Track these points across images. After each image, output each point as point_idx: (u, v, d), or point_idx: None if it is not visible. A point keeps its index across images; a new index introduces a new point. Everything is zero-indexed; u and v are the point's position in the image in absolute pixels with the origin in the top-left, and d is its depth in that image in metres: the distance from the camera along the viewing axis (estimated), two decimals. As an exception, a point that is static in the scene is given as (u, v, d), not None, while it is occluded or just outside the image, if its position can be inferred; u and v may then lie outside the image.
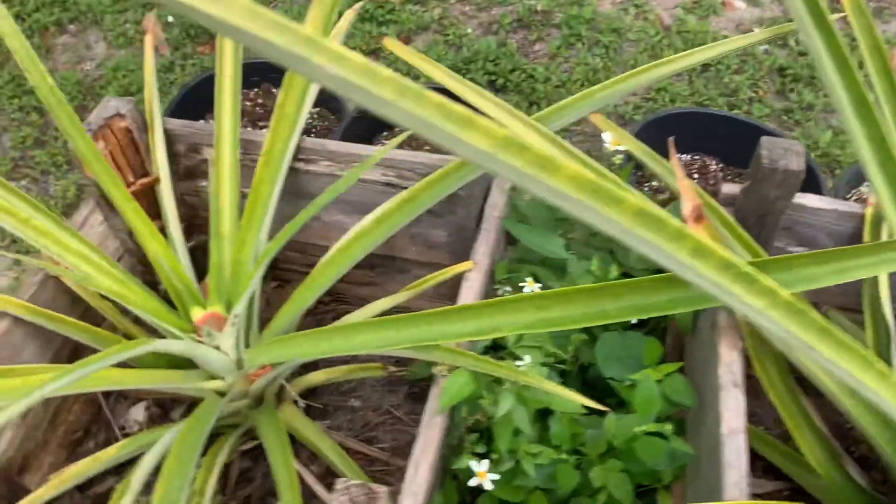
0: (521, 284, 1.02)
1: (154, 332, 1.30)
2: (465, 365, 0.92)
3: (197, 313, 1.11)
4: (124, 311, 1.24)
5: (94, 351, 1.34)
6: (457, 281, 1.05)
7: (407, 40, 2.24)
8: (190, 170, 1.33)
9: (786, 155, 1.01)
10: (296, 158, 1.21)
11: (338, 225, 1.35)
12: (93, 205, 1.26)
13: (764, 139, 1.03)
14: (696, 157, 1.60)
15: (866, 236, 1.08)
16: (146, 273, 1.32)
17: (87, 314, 1.26)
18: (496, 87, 2.07)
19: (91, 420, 1.34)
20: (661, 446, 0.90)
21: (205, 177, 1.34)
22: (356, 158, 1.22)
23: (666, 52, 2.14)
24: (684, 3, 2.31)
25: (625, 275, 1.10)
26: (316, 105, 1.75)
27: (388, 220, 1.06)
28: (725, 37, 2.21)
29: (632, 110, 2.00)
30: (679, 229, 0.55)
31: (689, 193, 0.98)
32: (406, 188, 1.22)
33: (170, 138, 1.27)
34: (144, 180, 1.26)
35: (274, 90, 1.75)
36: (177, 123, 1.27)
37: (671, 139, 1.35)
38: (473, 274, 1.03)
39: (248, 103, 1.73)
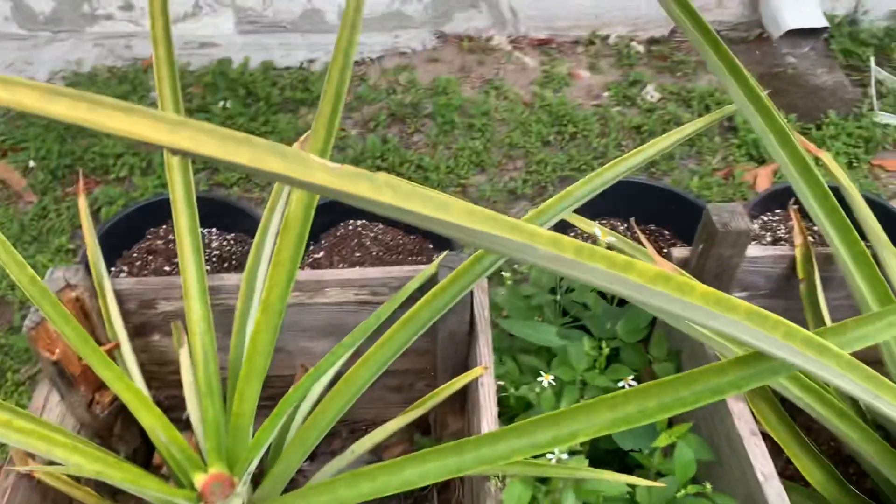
0: (539, 379, 1.06)
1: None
2: (516, 472, 0.94)
3: (199, 479, 1.05)
4: (114, 493, 1.15)
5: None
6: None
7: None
8: (140, 327, 1.26)
9: (733, 217, 1.13)
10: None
11: (305, 351, 1.33)
12: (49, 385, 1.16)
13: (710, 206, 1.15)
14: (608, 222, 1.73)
15: (800, 272, 1.23)
16: (103, 444, 1.22)
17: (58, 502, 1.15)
18: (388, 182, 2.12)
19: None
20: (707, 505, 0.97)
21: (157, 331, 1.27)
22: (322, 285, 1.22)
23: (534, 125, 2.29)
24: (537, 80, 2.50)
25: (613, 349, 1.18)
26: (230, 231, 1.71)
27: (392, 340, 1.06)
28: (581, 104, 2.41)
29: (521, 185, 2.12)
30: (779, 321, 0.62)
31: (668, 267, 1.07)
32: (380, 303, 1.24)
33: (118, 298, 1.21)
34: (104, 348, 1.18)
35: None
36: (127, 282, 1.21)
37: (632, 219, 1.46)
38: (486, 378, 1.06)
39: (159, 241, 1.66)
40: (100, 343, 1.20)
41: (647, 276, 0.53)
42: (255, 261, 1.19)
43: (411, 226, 1.76)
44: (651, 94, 2.42)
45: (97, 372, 0.99)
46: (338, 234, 1.70)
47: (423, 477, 0.88)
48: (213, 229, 1.71)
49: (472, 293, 1.17)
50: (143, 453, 1.37)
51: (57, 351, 1.12)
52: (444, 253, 1.12)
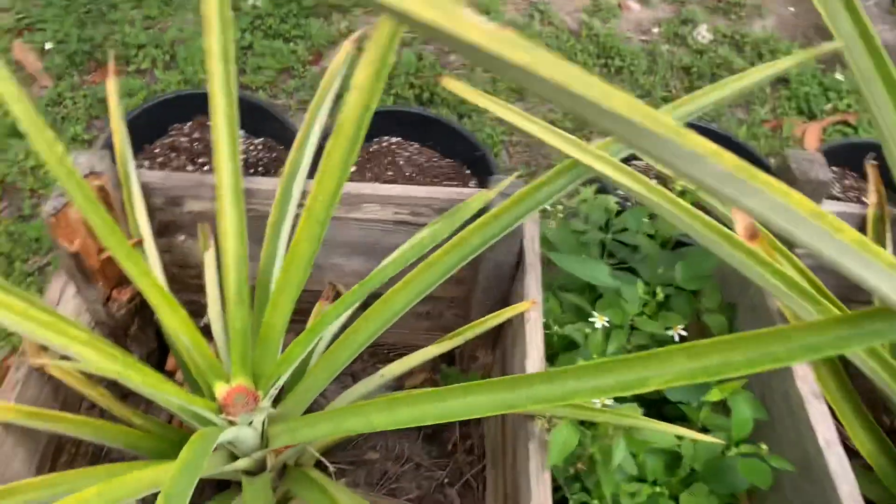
0: (591, 319, 0.99)
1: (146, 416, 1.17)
2: (563, 414, 0.88)
3: (221, 389, 1.00)
4: (123, 397, 1.09)
5: (82, 446, 1.17)
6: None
7: (319, 56, 2.14)
8: (164, 226, 1.18)
9: (813, 167, 1.05)
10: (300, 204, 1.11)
11: (334, 268, 1.26)
12: (65, 278, 1.09)
13: (789, 152, 1.06)
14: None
15: (870, 232, 1.15)
16: (117, 345, 1.16)
17: (67, 405, 1.09)
18: (422, 101, 2.02)
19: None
20: (762, 466, 0.91)
21: (182, 231, 1.20)
22: (361, 199, 1.14)
23: (580, 56, 2.18)
24: (585, 8, 2.36)
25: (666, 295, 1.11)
26: (258, 135, 1.62)
27: (439, 265, 0.99)
28: (629, 38, 2.29)
29: (561, 117, 2.02)
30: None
31: (741, 214, 0.99)
32: (421, 225, 1.16)
33: (144, 192, 1.13)
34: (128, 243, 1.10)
35: (209, 123, 1.60)
36: (154, 175, 1.13)
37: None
38: (533, 313, 1.00)
39: (183, 139, 1.57)
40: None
41: (806, 209, 0.45)
42: (294, 166, 1.10)
43: (448, 149, 1.68)
44: (703, 34, 2.30)
45: (122, 265, 0.92)
46: (370, 150, 1.61)
47: (468, 409, 0.82)
48: (241, 132, 1.62)
49: (523, 224, 1.09)
50: (157, 358, 1.31)
51: (76, 242, 1.05)
52: (509, 179, 1.04)
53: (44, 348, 1.03)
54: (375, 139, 1.63)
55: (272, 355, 1.02)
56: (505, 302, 1.14)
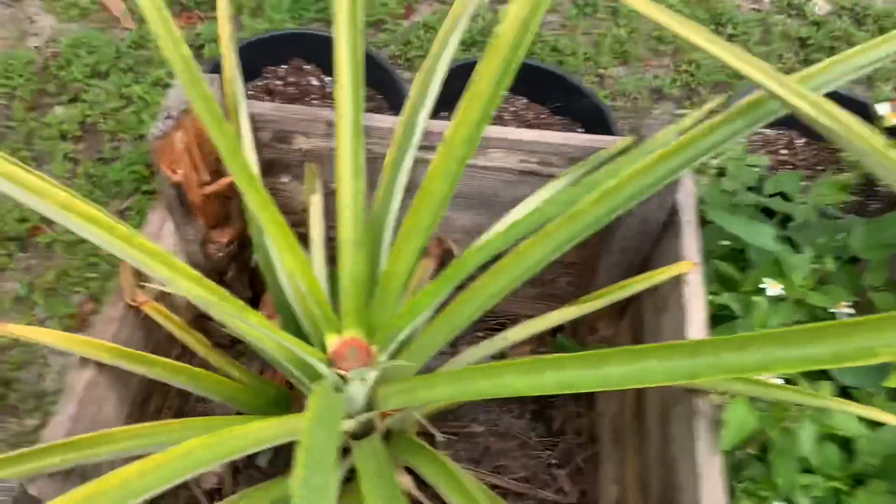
0: (761, 286, 0.87)
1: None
2: (737, 390, 0.76)
3: (333, 340, 0.90)
4: (219, 345, 1.00)
5: (168, 396, 1.09)
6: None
7: (410, 10, 2.03)
8: (269, 165, 1.09)
9: None
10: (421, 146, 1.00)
11: (443, 223, 1.15)
12: (163, 212, 1.00)
13: None
14: (781, 133, 1.50)
15: None
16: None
17: (159, 348, 1.01)
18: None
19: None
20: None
21: (287, 172, 1.10)
22: (486, 143, 1.03)
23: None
24: (692, -29, 2.21)
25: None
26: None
27: (582, 215, 0.87)
28: (739, 6, 2.13)
29: (668, 84, 1.88)
30: None
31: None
32: (548, 177, 1.04)
33: (252, 125, 1.03)
34: (227, 179, 1.01)
35: (306, 66, 1.51)
36: (265, 107, 1.03)
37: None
38: (693, 276, 0.87)
39: (278, 82, 1.47)
40: (221, 172, 1.03)
41: None
42: (417, 102, 0.99)
43: (561, 106, 1.55)
44: (820, 5, 2.13)
45: (242, 189, 0.82)
46: (474, 102, 1.49)
47: (633, 377, 0.70)
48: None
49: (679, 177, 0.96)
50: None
51: (180, 172, 0.95)
52: (671, 126, 0.92)
53: (140, 286, 0.94)
54: (478, 93, 1.51)
55: (390, 307, 0.92)
56: (642, 267, 1.02)
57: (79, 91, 1.75)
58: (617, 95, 1.86)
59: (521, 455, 1.17)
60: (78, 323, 1.40)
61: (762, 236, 0.92)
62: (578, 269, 1.17)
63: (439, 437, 1.02)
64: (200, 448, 0.74)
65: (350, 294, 0.91)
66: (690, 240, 0.90)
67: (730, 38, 2.01)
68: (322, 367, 0.85)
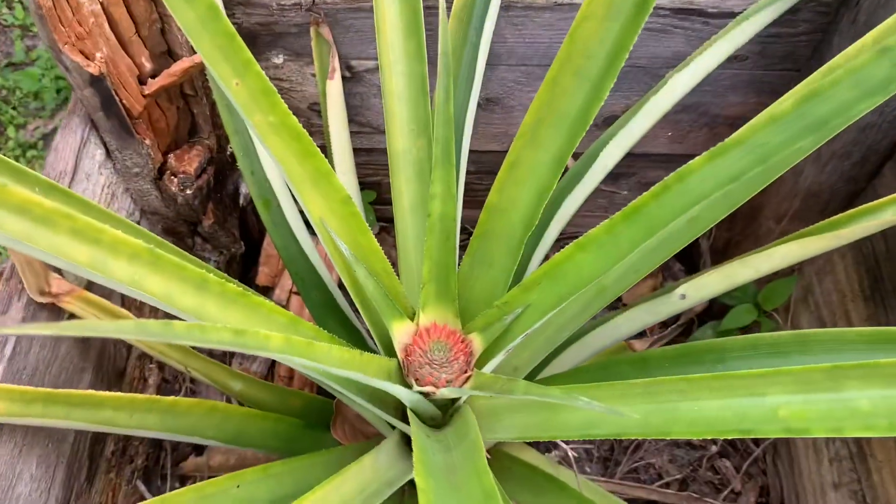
0: None
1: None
2: None
3: (402, 332, 0.50)
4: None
5: (132, 445, 0.72)
6: None
7: None
8: (254, 35, 0.66)
9: None
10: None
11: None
12: (81, 131, 0.58)
13: None
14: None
15: None
16: (177, 242, 0.66)
17: (105, 371, 0.61)
18: None
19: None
20: None
21: (281, 46, 0.68)
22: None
23: None
24: None
25: None
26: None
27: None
28: None
29: None
30: None
31: None
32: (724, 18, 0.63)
33: None
34: (186, 62, 0.58)
35: None
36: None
37: None
38: None
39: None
40: (170, 53, 0.61)
41: None
42: None
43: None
44: None
45: (217, 72, 0.41)
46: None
47: None
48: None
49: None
50: (239, 268, 0.82)
51: (99, 57, 0.53)
52: None
53: (55, 269, 0.54)
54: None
55: (501, 270, 0.52)
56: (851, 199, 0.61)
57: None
58: None
59: (670, 451, 0.80)
60: None
61: None
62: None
63: (571, 453, 0.64)
64: None
65: (432, 251, 0.51)
66: None
67: None
68: (395, 389, 0.46)
